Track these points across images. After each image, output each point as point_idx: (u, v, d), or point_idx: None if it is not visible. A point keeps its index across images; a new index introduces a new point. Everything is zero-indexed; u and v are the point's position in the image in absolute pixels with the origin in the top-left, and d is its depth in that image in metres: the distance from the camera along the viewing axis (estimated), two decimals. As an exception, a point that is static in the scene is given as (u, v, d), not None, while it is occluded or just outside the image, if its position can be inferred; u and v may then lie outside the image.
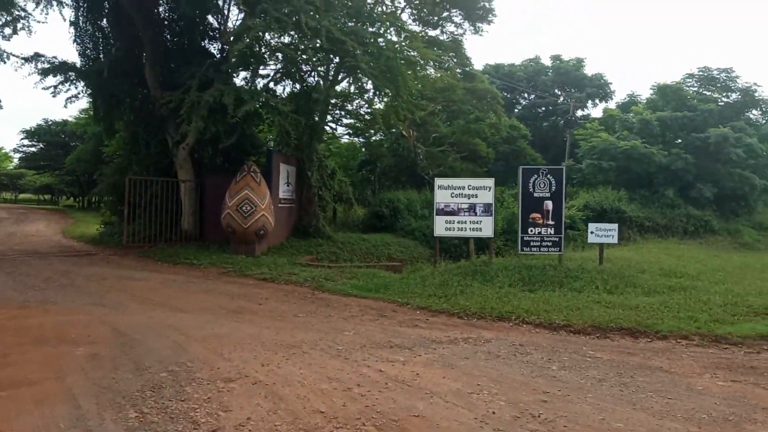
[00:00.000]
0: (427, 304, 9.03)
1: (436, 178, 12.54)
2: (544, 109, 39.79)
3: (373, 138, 32.94)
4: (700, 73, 28.06)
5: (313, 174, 17.23)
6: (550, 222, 12.20)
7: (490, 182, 12.39)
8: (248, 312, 8.38)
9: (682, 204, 24.72)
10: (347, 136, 29.71)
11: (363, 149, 29.38)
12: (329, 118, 26.50)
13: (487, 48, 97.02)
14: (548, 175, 12.21)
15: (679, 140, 27.04)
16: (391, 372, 5.55)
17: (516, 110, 39.79)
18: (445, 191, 12.33)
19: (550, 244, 12.22)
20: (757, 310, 9.11)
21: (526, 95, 40.62)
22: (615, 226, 12.54)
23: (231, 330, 7.05)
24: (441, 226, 12.35)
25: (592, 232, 12.37)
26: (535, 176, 12.24)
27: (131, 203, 15.30)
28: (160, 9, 18.00)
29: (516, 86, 36.38)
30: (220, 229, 14.70)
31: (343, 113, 26.68)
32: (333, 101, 25.77)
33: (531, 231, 12.21)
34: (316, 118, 17.36)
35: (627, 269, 12.19)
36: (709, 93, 28.12)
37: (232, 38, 14.88)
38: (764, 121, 27.93)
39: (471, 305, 8.93)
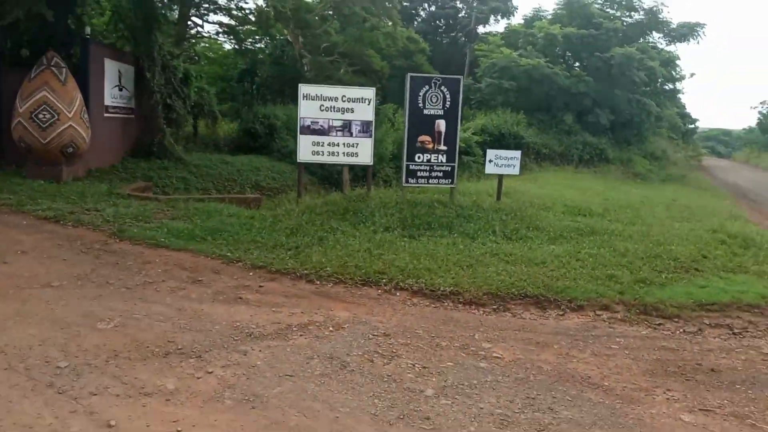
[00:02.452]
0: (268, 261, 6.37)
1: (300, 85, 9.57)
2: (444, 22, 36.95)
3: (257, 45, 28.75)
4: (607, -12, 26.41)
5: (154, 76, 13.48)
6: (443, 147, 9.80)
7: (369, 93, 9.63)
8: (-29, 279, 5.29)
9: (579, 131, 23.55)
10: (222, 39, 25.31)
11: (237, 55, 25.15)
12: (193, 11, 22.19)
13: None
14: (442, 87, 9.66)
15: (580, 62, 25.57)
16: (124, 427, 2.92)
17: (415, 23, 36.64)
18: (313, 103, 9.45)
19: (441, 174, 9.88)
20: (684, 263, 7.37)
21: (426, 6, 37.46)
22: (517, 153, 10.41)
23: None
24: (307, 149, 9.55)
25: (490, 161, 10.16)
26: (426, 87, 9.65)
27: None
28: None
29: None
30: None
31: (210, 6, 22.45)
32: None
33: (419, 158, 9.77)
34: (160, 8, 13.41)
35: (528, 206, 10.21)
36: (613, 12, 26.63)
37: None
38: (665, 45, 27.09)
39: (329, 262, 6.39)
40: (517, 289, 5.94)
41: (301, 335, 4.54)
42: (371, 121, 9.64)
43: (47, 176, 10.56)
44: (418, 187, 10.27)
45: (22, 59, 12.67)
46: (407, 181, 9.85)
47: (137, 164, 13.43)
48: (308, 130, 9.50)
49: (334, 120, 9.51)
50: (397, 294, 5.84)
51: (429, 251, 7.04)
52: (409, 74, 9.80)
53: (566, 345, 4.76)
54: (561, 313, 5.68)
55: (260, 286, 5.75)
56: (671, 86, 29.88)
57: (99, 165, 12.43)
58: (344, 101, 9.50)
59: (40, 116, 10.21)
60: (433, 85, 9.67)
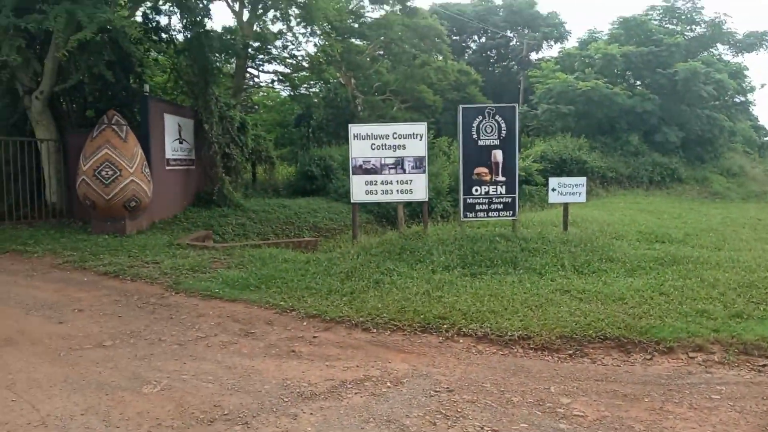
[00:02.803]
0: (322, 309, 6.07)
1: (350, 125, 9.43)
2: (495, 52, 36.72)
3: (311, 89, 29.41)
4: (664, 4, 25.40)
5: (212, 127, 13.81)
6: (501, 178, 9.33)
7: (420, 128, 9.35)
8: (27, 339, 5.25)
9: (647, 151, 22.39)
10: (278, 87, 26.01)
11: (292, 101, 25.70)
12: (249, 63, 22.94)
13: None
14: (496, 117, 9.26)
15: (641, 80, 24.53)
16: None
17: (466, 55, 36.58)
18: (364, 142, 9.26)
19: (500, 206, 9.39)
20: (784, 292, 6.53)
21: (476, 38, 37.41)
22: (582, 180, 9.78)
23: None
24: (360, 189, 9.33)
25: (554, 189, 9.58)
26: (480, 118, 9.27)
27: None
28: None
29: (466, 20, 32.98)
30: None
31: (264, 57, 23.16)
32: (252, 43, 22.22)
33: (476, 191, 9.33)
34: (215, 62, 13.82)
35: (598, 235, 9.51)
36: (673, 26, 25.55)
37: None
38: (731, 56, 25.65)
39: (385, 307, 6.02)
40: (594, 331, 5.35)
41: (356, 393, 4.16)
42: (424, 156, 9.33)
43: (111, 231, 10.83)
44: (477, 221, 9.80)
45: (86, 120, 13.33)
46: (465, 216, 9.41)
47: (199, 213, 13.65)
48: (360, 170, 9.29)
49: (386, 158, 9.27)
50: (460, 341, 5.37)
51: (493, 291, 6.54)
52: (461, 106, 9.47)
53: (659, 397, 4.14)
54: (648, 357, 5.03)
55: (314, 337, 5.43)
56: (742, 98, 28.17)
57: (162, 216, 12.70)
58: (395, 138, 9.25)
59: (103, 173, 10.53)
60: (486, 115, 9.29)
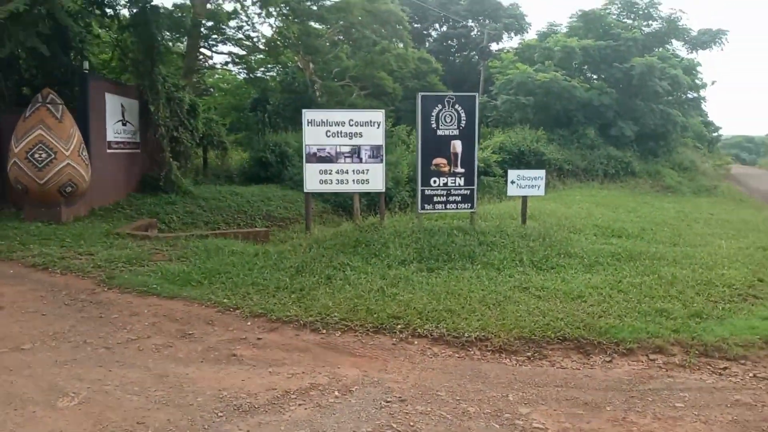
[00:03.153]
0: (268, 307, 5.66)
1: (304, 111, 8.96)
2: (456, 41, 36.54)
3: (269, 73, 28.54)
4: (622, -1, 25.65)
5: (159, 109, 13.04)
6: (460, 169, 9.06)
7: (378, 115, 8.97)
8: (-69, 345, 4.67)
9: (602, 144, 22.61)
10: (233, 69, 25.07)
11: (248, 84, 24.85)
12: (202, 43, 22.00)
13: None
14: (456, 106, 8.97)
15: (599, 74, 24.74)
16: None
17: (427, 44, 36.26)
18: (318, 129, 8.82)
19: (459, 198, 9.13)
20: (740, 290, 6.51)
21: (438, 27, 37.12)
22: (541, 173, 9.62)
23: None
24: (313, 178, 8.90)
25: (512, 182, 9.38)
26: (440, 107, 8.96)
27: None
28: None
29: (428, 7, 32.58)
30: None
31: (218, 37, 22.25)
32: (205, 22, 21.30)
33: (434, 182, 9.04)
34: (162, 39, 13.02)
35: (556, 229, 9.38)
36: (631, 21, 25.84)
37: None
38: (685, 53, 26.14)
39: (336, 306, 5.66)
40: (553, 332, 5.13)
41: (300, 404, 3.79)
42: (381, 146, 8.96)
43: (45, 218, 10.09)
44: (435, 213, 9.52)
45: (23, 99, 12.38)
46: (423, 208, 9.12)
47: (143, 200, 12.94)
48: (314, 158, 8.86)
49: (342, 146, 8.86)
50: (415, 342, 5.07)
51: (450, 288, 6.26)
52: (420, 94, 9.13)
53: (621, 405, 3.93)
54: (608, 359, 4.85)
55: (258, 339, 5.03)
56: (695, 94, 28.81)
57: (103, 203, 11.96)
58: (352, 125, 8.85)
59: (36, 156, 9.75)
60: (446, 104, 8.98)
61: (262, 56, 24.03)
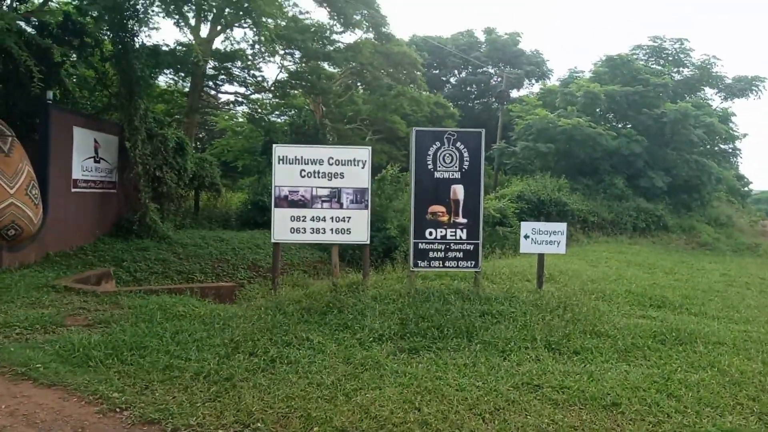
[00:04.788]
0: (169, 408, 4.02)
1: (274, 146, 7.53)
2: (476, 87, 35.56)
3: (282, 117, 27.69)
4: (652, 43, 24.34)
5: (136, 145, 11.79)
6: (461, 219, 7.46)
7: (363, 153, 7.48)
8: None
9: (631, 195, 20.85)
10: (239, 110, 24.18)
11: (250, 123, 23.85)
12: (207, 82, 21.16)
13: (413, 19, 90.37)
14: (458, 144, 7.45)
15: (625, 121, 23.21)
16: None
17: (445, 89, 35.32)
18: (291, 167, 7.36)
19: (460, 255, 7.49)
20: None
21: (456, 73, 36.23)
22: (562, 227, 7.94)
23: None
24: (283, 226, 7.38)
25: (526, 237, 7.73)
26: (437, 144, 7.45)
27: None
28: None
29: (446, 50, 31.60)
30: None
31: (225, 77, 21.40)
32: (211, 63, 20.50)
33: (430, 234, 7.44)
34: (143, 70, 11.92)
35: (581, 296, 7.63)
36: (660, 67, 24.44)
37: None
38: (719, 101, 24.54)
39: (265, 408, 4.01)
40: (576, 468, 3.38)
41: None
42: (366, 189, 7.44)
43: (-18, 264, 8.69)
44: (430, 271, 7.88)
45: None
46: (416, 264, 7.49)
47: (112, 245, 11.55)
48: (285, 202, 7.37)
49: (319, 188, 7.37)
50: (366, 479, 3.36)
51: (432, 383, 4.56)
52: (415, 128, 7.65)
53: None
54: None
55: (133, 465, 3.38)
56: (729, 146, 27.02)
57: (63, 247, 10.58)
58: (332, 164, 7.38)
59: (-29, 193, 8.42)
60: (446, 141, 7.47)
61: (271, 98, 23.14)
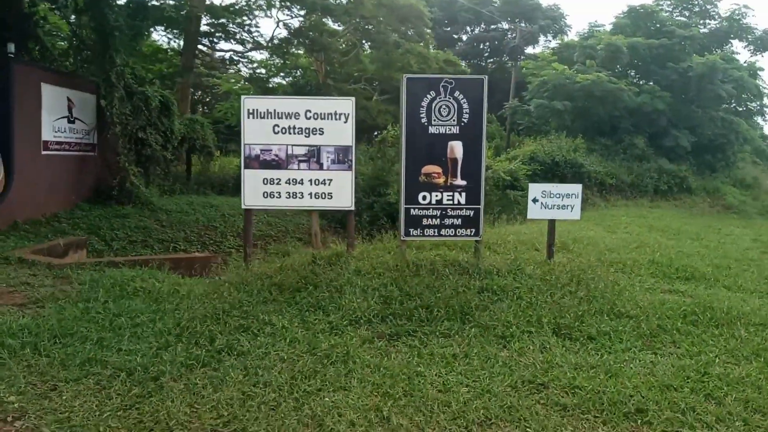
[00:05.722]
0: (72, 421, 3.18)
1: (243, 97, 6.55)
2: (489, 45, 33.90)
3: (286, 78, 26.55)
4: (676, -7, 22.62)
5: (113, 103, 10.87)
6: (460, 182, 6.47)
7: (346, 104, 6.46)
8: None
9: (653, 156, 19.57)
10: (235, 68, 23.06)
11: (247, 83, 22.77)
12: (204, 41, 20.06)
13: None
14: (456, 93, 6.40)
15: (648, 77, 21.72)
16: None
17: (457, 47, 33.70)
18: (262, 123, 6.38)
19: (458, 221, 6.53)
20: None
21: (468, 29, 34.53)
22: (576, 188, 6.91)
23: None
24: (254, 190, 6.45)
25: (535, 201, 6.72)
26: (432, 94, 6.41)
27: None
28: None
29: (460, 5, 29.94)
30: None
31: (221, 35, 20.26)
32: (205, 19, 19.38)
33: (424, 198, 6.48)
34: (116, 20, 10.87)
35: (597, 267, 6.66)
36: (685, 19, 22.76)
37: None
38: (748, 55, 22.89)
39: (191, 420, 3.15)
40: None
41: None
42: (350, 147, 6.46)
43: (-65, 234, 7.94)
44: (424, 240, 6.94)
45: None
46: (408, 233, 6.55)
47: (89, 212, 10.80)
48: (257, 163, 6.42)
49: (295, 146, 6.40)
50: None
51: (411, 383, 3.68)
52: (406, 75, 6.59)
53: None
54: None
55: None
56: (757, 104, 25.35)
57: (33, 215, 9.81)
58: (309, 118, 6.39)
59: None
60: (442, 90, 6.42)
61: (269, 56, 21.98)
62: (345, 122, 6.43)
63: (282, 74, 27.78)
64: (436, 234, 6.57)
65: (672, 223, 12.68)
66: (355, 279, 5.64)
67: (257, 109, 6.38)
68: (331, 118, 6.41)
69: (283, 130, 6.37)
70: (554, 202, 6.72)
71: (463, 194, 6.48)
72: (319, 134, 6.40)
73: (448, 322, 4.83)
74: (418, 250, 6.98)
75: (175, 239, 10.77)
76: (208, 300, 5.18)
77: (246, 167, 6.42)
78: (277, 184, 6.42)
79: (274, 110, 6.38)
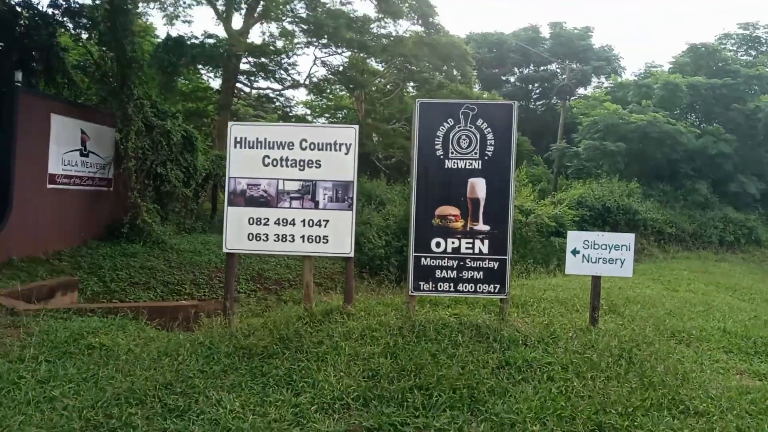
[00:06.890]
0: None
1: (230, 124, 5.71)
2: (538, 85, 32.84)
3: (331, 119, 26.34)
4: (742, 31, 21.10)
5: (130, 138, 10.37)
6: (482, 226, 5.36)
7: (348, 133, 5.51)
8: None
9: (717, 204, 17.79)
10: (269, 103, 22.79)
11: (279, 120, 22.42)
12: (241, 78, 19.90)
13: (470, 19, 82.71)
14: (478, 122, 5.37)
15: (710, 119, 20.10)
16: None
17: (504, 89, 32.77)
18: (250, 153, 5.50)
19: (479, 275, 5.38)
20: None
21: (517, 70, 33.64)
22: (629, 239, 5.65)
23: None
24: (238, 230, 5.52)
25: (575, 252, 5.51)
26: (450, 122, 5.40)
27: None
28: None
29: (508, 46, 29.14)
30: None
31: (262, 73, 20.06)
32: (245, 57, 19.25)
33: (437, 246, 5.39)
34: (131, 52, 10.47)
35: (652, 342, 5.32)
36: (750, 58, 21.15)
37: None
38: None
39: None
40: None
41: None
42: (351, 183, 5.48)
43: None
44: (436, 295, 5.80)
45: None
46: (417, 287, 5.44)
47: (95, 250, 10.17)
48: (242, 199, 5.51)
49: (287, 180, 5.47)
50: None
51: None
52: (419, 100, 5.61)
53: None
54: None
55: None
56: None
57: (32, 252, 9.21)
58: (305, 149, 5.47)
59: None
60: (462, 118, 5.40)
61: (307, 94, 21.70)
62: (346, 154, 5.48)
63: (327, 115, 27.61)
64: (452, 289, 5.43)
65: (742, 280, 11.01)
66: (343, 344, 4.56)
67: (245, 138, 5.52)
68: (331, 149, 5.47)
69: (274, 162, 5.47)
70: (600, 255, 5.49)
71: (486, 242, 5.35)
72: (316, 167, 5.46)
73: (451, 411, 3.66)
74: (432, 307, 5.84)
75: (181, 281, 9.96)
76: (156, 366, 4.20)
77: (230, 204, 5.52)
78: (265, 224, 5.47)
79: (265, 139, 5.50)
